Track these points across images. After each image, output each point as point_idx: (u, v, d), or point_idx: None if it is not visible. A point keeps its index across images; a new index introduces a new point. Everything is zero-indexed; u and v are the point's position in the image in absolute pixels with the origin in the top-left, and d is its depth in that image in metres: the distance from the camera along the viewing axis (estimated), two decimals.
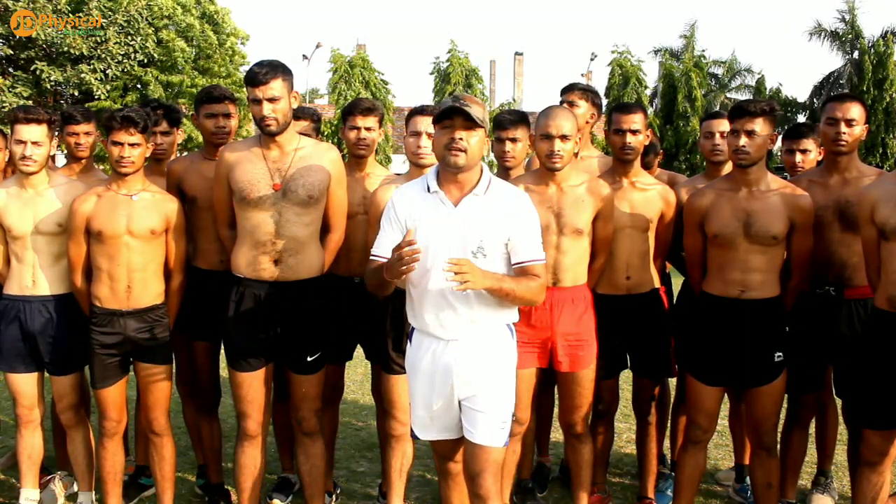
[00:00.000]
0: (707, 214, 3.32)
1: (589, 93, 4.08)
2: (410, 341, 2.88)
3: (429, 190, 2.75)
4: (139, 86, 20.20)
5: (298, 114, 3.72)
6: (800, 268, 3.36)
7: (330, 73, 25.50)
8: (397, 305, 3.40)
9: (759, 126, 3.19)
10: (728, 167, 3.86)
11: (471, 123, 2.62)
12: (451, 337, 2.75)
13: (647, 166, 3.99)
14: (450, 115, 2.63)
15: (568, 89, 4.07)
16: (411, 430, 2.97)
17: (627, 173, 3.63)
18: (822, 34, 27.46)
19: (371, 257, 2.83)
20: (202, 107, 3.71)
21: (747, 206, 3.25)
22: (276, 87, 3.16)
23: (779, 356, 3.29)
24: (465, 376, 2.75)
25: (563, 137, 3.23)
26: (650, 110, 24.89)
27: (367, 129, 3.71)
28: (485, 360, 2.76)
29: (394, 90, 26.59)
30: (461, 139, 2.63)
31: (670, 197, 3.63)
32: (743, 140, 3.20)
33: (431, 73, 27.67)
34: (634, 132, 3.54)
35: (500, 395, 2.79)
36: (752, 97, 30.28)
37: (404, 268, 2.48)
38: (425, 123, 3.35)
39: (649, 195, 3.61)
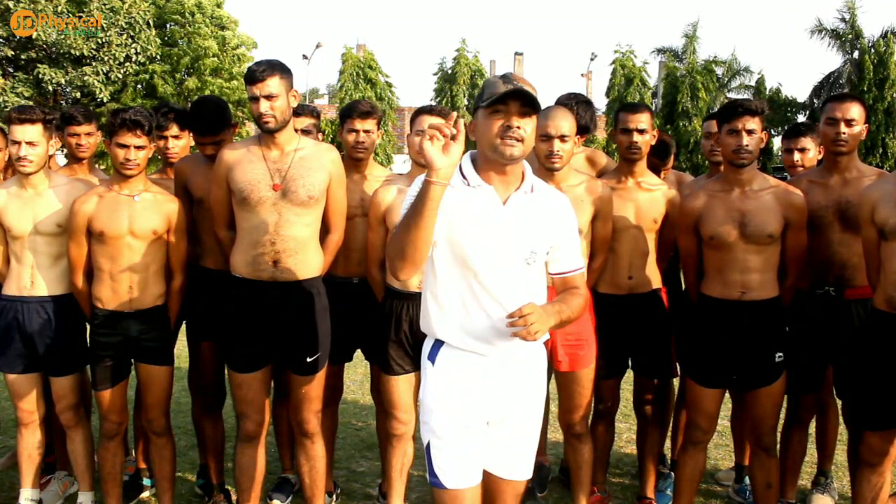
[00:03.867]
0: (701, 216, 3.31)
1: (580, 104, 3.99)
2: (433, 361, 2.45)
3: (468, 183, 2.36)
4: (140, 86, 20.30)
5: (299, 111, 3.73)
6: (795, 265, 3.35)
7: (339, 71, 25.54)
8: (396, 306, 3.40)
9: (757, 125, 3.20)
10: None
11: (527, 109, 2.28)
12: (490, 352, 2.39)
13: (656, 168, 3.96)
14: (505, 100, 2.26)
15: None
16: (433, 476, 2.43)
17: (633, 173, 3.62)
18: (823, 32, 27.49)
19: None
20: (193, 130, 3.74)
21: (741, 206, 3.24)
22: (272, 84, 3.16)
23: (779, 356, 3.29)
24: (500, 401, 2.43)
25: (563, 137, 3.23)
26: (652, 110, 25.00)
27: (366, 131, 3.70)
28: (521, 384, 2.46)
29: (398, 91, 26.68)
30: (518, 127, 2.27)
31: (675, 198, 3.62)
32: (746, 139, 3.19)
33: (435, 74, 27.70)
34: (641, 132, 3.54)
35: (534, 421, 2.53)
36: (752, 97, 30.31)
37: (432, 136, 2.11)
38: (431, 123, 3.34)
39: (654, 195, 3.61)
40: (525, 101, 2.26)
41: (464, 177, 2.37)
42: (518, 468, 2.52)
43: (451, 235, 2.34)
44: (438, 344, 2.45)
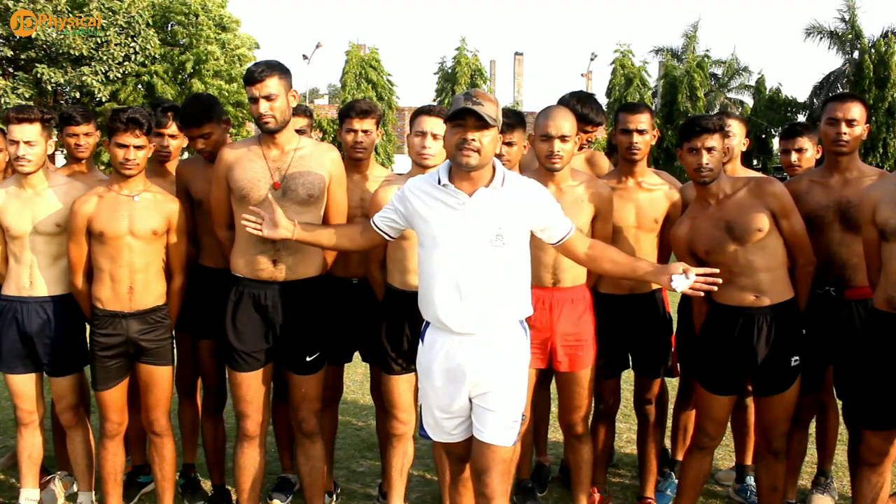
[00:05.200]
0: (691, 241, 3.30)
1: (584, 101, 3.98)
2: (422, 341, 2.85)
3: (440, 183, 2.71)
4: (140, 86, 20.31)
5: (293, 112, 3.73)
6: (801, 252, 3.28)
7: (343, 71, 25.51)
8: (396, 306, 3.40)
9: (717, 141, 3.18)
10: (728, 167, 3.86)
11: (483, 123, 2.59)
12: (465, 331, 2.70)
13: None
14: (462, 116, 2.59)
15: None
16: (422, 430, 2.93)
17: (634, 173, 3.61)
18: (821, 33, 27.46)
19: (371, 222, 2.97)
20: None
21: (722, 215, 3.22)
22: (271, 84, 3.16)
23: (795, 360, 3.25)
24: (478, 373, 2.71)
25: (563, 138, 3.23)
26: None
27: (365, 131, 3.70)
28: (498, 357, 2.72)
29: (397, 91, 26.66)
30: (473, 140, 2.59)
31: (675, 198, 3.62)
32: (706, 158, 3.17)
33: (436, 73, 27.70)
34: (641, 132, 3.53)
35: (512, 393, 2.75)
36: (752, 97, 30.30)
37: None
38: (431, 124, 3.33)
39: (655, 195, 3.60)
40: (479, 117, 2.56)
41: (439, 179, 2.71)
42: (499, 434, 2.72)
43: (426, 226, 2.72)
44: (426, 325, 2.84)
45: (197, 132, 3.59)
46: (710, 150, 3.17)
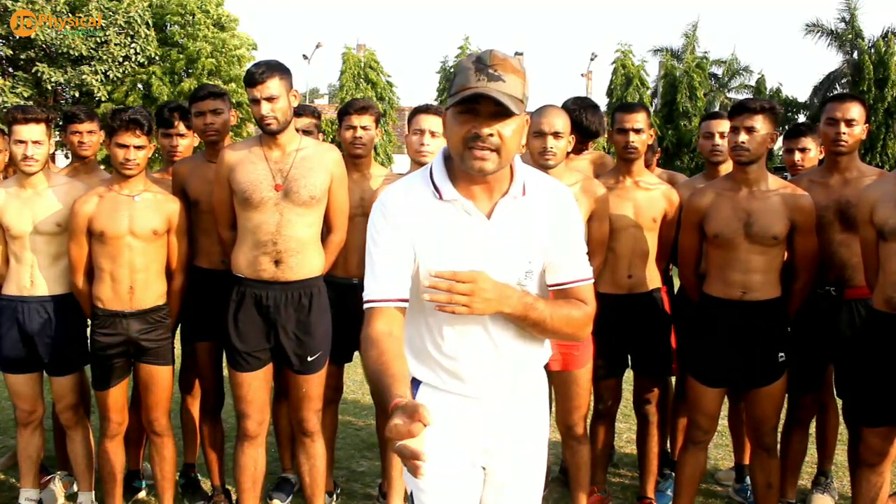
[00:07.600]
0: (707, 214, 3.31)
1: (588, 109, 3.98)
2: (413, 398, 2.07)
3: (441, 196, 1.87)
4: (140, 86, 20.34)
5: (299, 111, 3.73)
6: (806, 269, 3.33)
7: (340, 71, 25.55)
8: None
9: (760, 123, 3.18)
10: (727, 167, 3.87)
11: (504, 109, 1.73)
12: (479, 394, 1.98)
13: (645, 164, 3.97)
14: (475, 100, 1.74)
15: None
16: None
17: (631, 172, 3.62)
18: (821, 32, 27.46)
19: (367, 304, 1.87)
20: (191, 108, 3.73)
21: (747, 206, 3.24)
22: (273, 86, 3.16)
23: (781, 357, 3.28)
24: (496, 437, 2.04)
25: (556, 135, 3.22)
26: (650, 109, 25.02)
27: (364, 127, 3.70)
28: (521, 415, 2.06)
29: (397, 91, 26.64)
30: (490, 135, 1.75)
31: (673, 196, 3.62)
32: (742, 136, 3.19)
33: (437, 72, 27.75)
34: (637, 131, 3.53)
35: (537, 461, 2.14)
36: (752, 97, 30.32)
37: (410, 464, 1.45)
38: (429, 122, 3.35)
39: (653, 194, 3.60)
40: (496, 103, 1.73)
41: (435, 188, 1.87)
42: None
43: (425, 262, 1.88)
44: (416, 383, 2.03)
45: (212, 104, 3.63)
46: (749, 129, 3.18)
